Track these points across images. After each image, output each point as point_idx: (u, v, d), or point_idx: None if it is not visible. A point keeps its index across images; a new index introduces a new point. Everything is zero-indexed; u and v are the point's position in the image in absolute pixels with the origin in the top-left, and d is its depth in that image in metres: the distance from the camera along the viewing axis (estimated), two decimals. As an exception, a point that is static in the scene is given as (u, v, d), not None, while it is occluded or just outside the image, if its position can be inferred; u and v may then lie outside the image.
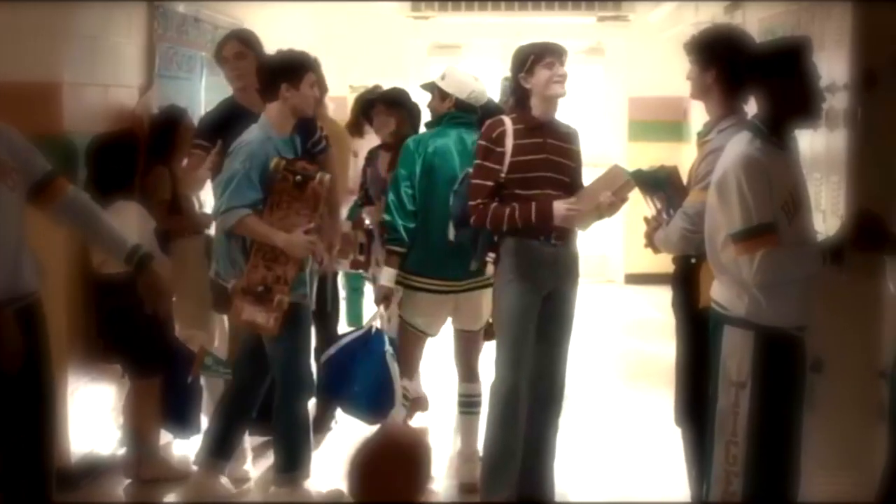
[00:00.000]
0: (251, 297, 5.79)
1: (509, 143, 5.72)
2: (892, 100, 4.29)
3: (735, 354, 4.57)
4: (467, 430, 6.49)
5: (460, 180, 6.05)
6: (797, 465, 4.66)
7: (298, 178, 5.79)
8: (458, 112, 6.39)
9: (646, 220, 5.45)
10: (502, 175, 5.72)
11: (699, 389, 4.98)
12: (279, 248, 5.78)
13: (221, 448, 6.21)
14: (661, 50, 12.50)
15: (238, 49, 6.60)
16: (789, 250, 4.45)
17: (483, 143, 5.79)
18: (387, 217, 6.33)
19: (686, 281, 5.24)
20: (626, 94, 13.43)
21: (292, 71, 5.89)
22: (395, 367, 6.14)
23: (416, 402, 6.85)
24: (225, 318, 6.64)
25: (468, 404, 6.51)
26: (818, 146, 5.83)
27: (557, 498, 6.08)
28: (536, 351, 5.81)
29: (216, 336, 6.93)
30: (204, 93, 8.11)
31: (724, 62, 5.05)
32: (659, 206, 5.37)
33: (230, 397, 6.26)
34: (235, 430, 6.26)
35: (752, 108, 5.22)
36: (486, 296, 6.20)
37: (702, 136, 5.26)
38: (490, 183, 5.72)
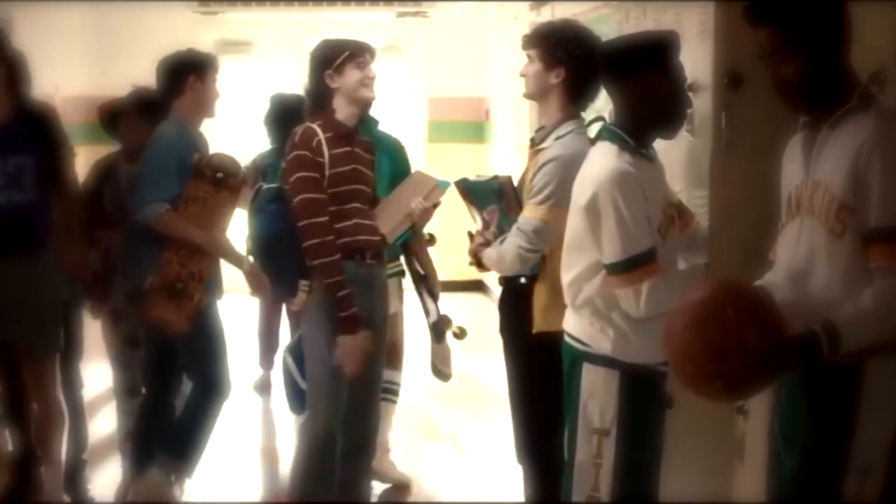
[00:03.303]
0: (164, 293, 5.70)
1: (326, 152, 5.09)
2: (757, 102, 3.84)
3: (597, 397, 4.03)
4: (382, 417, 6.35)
5: (254, 195, 5.40)
6: None
7: (220, 175, 5.71)
8: None
9: (470, 235, 4.99)
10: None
11: (540, 422, 4.69)
12: (195, 244, 5.68)
13: (142, 467, 6.09)
14: (462, 48, 12.37)
15: None
16: (674, 278, 3.97)
17: (304, 152, 5.06)
18: None
19: (517, 304, 4.81)
20: (425, 93, 13.07)
21: (198, 65, 5.90)
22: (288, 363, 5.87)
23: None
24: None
25: (384, 391, 6.17)
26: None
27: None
28: (351, 385, 5.24)
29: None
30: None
31: (575, 61, 4.64)
32: (488, 219, 4.84)
33: (144, 410, 6.13)
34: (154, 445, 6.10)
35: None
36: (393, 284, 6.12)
37: (536, 142, 4.80)
38: (325, 196, 5.06)
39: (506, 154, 11.38)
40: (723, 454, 4.58)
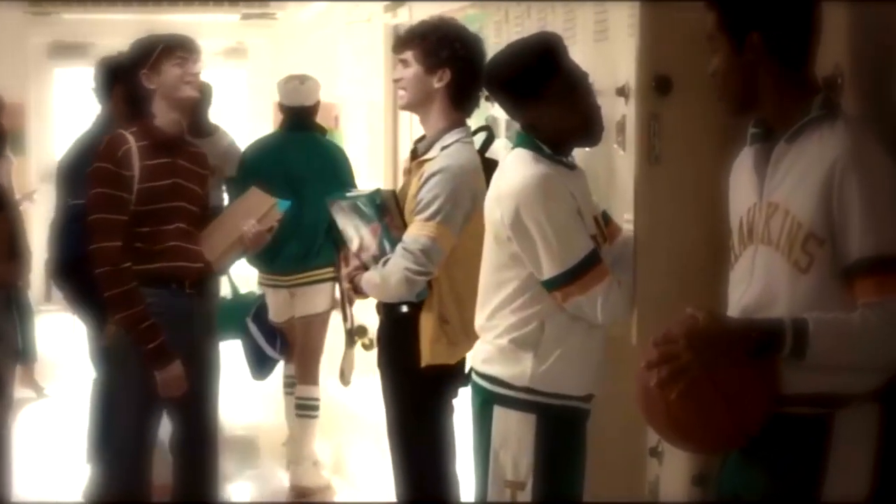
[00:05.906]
0: None
1: (136, 164, 4.58)
2: (688, 108, 3.45)
3: (510, 445, 3.62)
4: (300, 434, 6.68)
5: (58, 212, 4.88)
6: None
7: None
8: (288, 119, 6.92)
9: (344, 258, 4.68)
10: (130, 207, 4.59)
11: (427, 467, 4.41)
12: None
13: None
14: (311, 51, 12.04)
15: None
16: (626, 282, 3.60)
17: (105, 165, 4.58)
18: None
19: (400, 335, 4.40)
20: (271, 99, 12.59)
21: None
22: (252, 330, 6.12)
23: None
24: None
25: (303, 407, 6.67)
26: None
27: None
28: (179, 418, 4.82)
29: None
30: None
31: (460, 62, 4.29)
32: (367, 239, 4.38)
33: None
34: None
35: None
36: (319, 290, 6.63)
37: (419, 153, 4.40)
38: (124, 217, 4.56)
39: (356, 162, 10.97)
40: (634, 499, 4.21)
